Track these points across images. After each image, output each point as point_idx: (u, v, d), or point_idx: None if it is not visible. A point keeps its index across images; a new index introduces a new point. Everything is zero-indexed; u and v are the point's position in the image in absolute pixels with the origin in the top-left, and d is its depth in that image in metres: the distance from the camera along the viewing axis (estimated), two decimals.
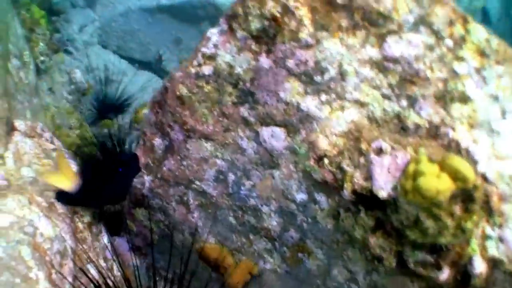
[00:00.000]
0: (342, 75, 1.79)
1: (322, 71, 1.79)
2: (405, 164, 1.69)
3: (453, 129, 1.76)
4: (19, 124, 2.26)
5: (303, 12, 1.74)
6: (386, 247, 1.77)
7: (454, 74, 1.75)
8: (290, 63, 1.80)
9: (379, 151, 1.73)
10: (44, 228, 1.84)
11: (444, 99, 1.76)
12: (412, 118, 1.79)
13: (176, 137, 2.16)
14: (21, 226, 1.79)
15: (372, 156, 1.73)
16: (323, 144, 1.82)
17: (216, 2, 5.86)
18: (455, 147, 1.76)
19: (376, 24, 1.75)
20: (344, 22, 1.76)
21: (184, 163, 2.17)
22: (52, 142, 2.35)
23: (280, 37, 1.78)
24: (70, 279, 1.84)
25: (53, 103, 3.60)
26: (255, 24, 1.81)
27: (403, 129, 1.81)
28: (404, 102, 1.79)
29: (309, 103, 1.82)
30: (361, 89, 1.80)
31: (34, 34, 3.65)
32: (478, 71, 1.75)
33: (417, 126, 1.78)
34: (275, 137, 1.92)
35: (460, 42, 1.75)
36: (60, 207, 2.02)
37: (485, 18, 8.26)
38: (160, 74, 6.18)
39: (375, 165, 1.72)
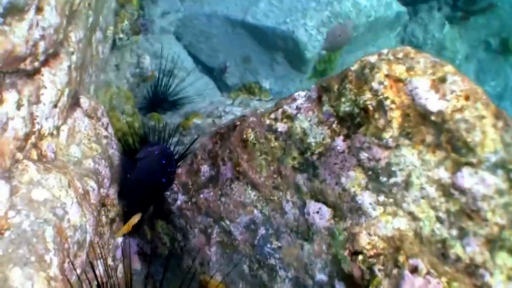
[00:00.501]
0: (407, 185, 1.79)
1: (390, 174, 1.79)
2: None
3: (491, 275, 1.74)
4: (84, 101, 2.29)
5: (395, 115, 1.75)
6: None
7: None
8: (363, 155, 1.80)
9: (414, 270, 1.73)
10: (73, 215, 1.85)
11: (493, 244, 1.75)
12: (456, 249, 1.77)
13: (225, 172, 2.18)
14: (53, 206, 1.80)
15: (406, 272, 1.72)
16: (364, 241, 1.81)
17: (298, 39, 5.88)
18: None
19: (458, 151, 1.75)
20: (429, 138, 1.76)
21: (223, 199, 2.19)
22: (106, 129, 2.38)
23: (364, 129, 1.79)
24: (79, 271, 1.85)
25: (115, 80, 3.65)
26: (345, 107, 1.82)
27: (444, 256, 1.80)
28: (454, 232, 1.78)
29: (366, 198, 1.83)
30: (419, 204, 1.80)
31: (123, 11, 3.70)
32: None
33: (458, 259, 1.77)
34: (320, 214, 1.92)
35: None
36: (93, 198, 2.04)
37: None
38: (218, 83, 6.24)
39: (406, 282, 1.71)
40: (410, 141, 1.78)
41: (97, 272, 1.96)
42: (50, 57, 2.06)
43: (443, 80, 1.75)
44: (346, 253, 1.84)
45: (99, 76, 2.97)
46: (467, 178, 1.76)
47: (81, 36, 2.38)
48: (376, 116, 1.77)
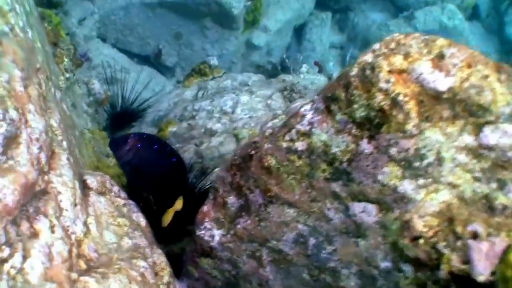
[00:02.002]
0: (440, 160, 1.87)
1: (422, 158, 1.86)
2: (501, 250, 1.80)
3: None
4: (91, 181, 2.25)
5: (411, 106, 1.80)
6: None
7: None
8: (393, 150, 1.86)
9: (475, 235, 1.84)
10: None
11: None
12: (500, 199, 1.88)
13: (255, 199, 2.21)
14: None
15: (470, 241, 1.83)
16: (419, 225, 1.90)
17: (221, 0, 5.78)
18: None
19: (475, 114, 1.82)
20: (446, 113, 1.83)
21: (262, 224, 2.23)
22: (120, 196, 2.35)
23: (386, 128, 1.83)
24: None
25: (78, 120, 3.55)
26: (359, 113, 1.86)
27: (490, 208, 1.90)
28: (493, 185, 1.88)
29: (406, 186, 1.90)
30: (455, 173, 1.88)
31: (59, 50, 3.55)
32: None
33: (504, 207, 1.88)
34: (366, 212, 1.99)
35: None
36: (149, 276, 2.05)
37: (475, 14, 8.47)
38: (159, 68, 6.14)
39: (474, 251, 1.82)
40: (430, 123, 1.84)
41: None
42: (50, 159, 2.01)
43: (441, 56, 1.79)
44: (406, 241, 1.93)
45: (74, 134, 2.89)
46: (490, 135, 1.84)
47: (58, 116, 2.30)
48: (394, 113, 1.81)
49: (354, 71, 1.86)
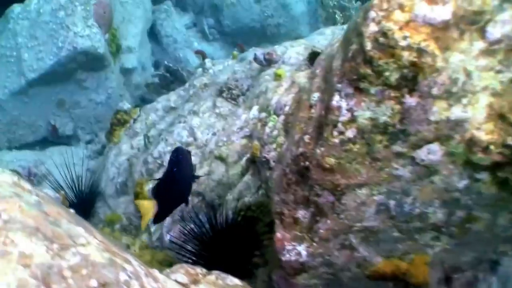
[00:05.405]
0: (469, 75, 2.02)
1: (456, 81, 2.01)
2: None
3: None
4: (181, 278, 2.19)
5: (432, 46, 1.92)
6: None
7: None
8: (434, 90, 1.99)
9: None
10: None
11: None
12: None
13: (325, 201, 2.28)
14: None
15: None
16: (482, 136, 2.06)
17: (84, 48, 5.60)
18: None
19: (475, 22, 1.98)
20: (455, 34, 1.97)
21: (342, 216, 2.31)
22: (205, 274, 2.32)
23: (422, 76, 1.95)
24: None
25: None
26: (394, 76, 1.95)
27: None
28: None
29: (455, 112, 2.04)
30: (483, 77, 2.05)
31: None
32: None
33: None
34: (431, 153, 2.12)
35: None
36: None
37: None
38: (62, 142, 5.89)
39: None
40: (450, 50, 1.98)
41: None
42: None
43: None
44: (479, 154, 2.09)
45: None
46: (493, 31, 2.01)
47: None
48: (423, 59, 1.93)
49: (369, 45, 1.94)
